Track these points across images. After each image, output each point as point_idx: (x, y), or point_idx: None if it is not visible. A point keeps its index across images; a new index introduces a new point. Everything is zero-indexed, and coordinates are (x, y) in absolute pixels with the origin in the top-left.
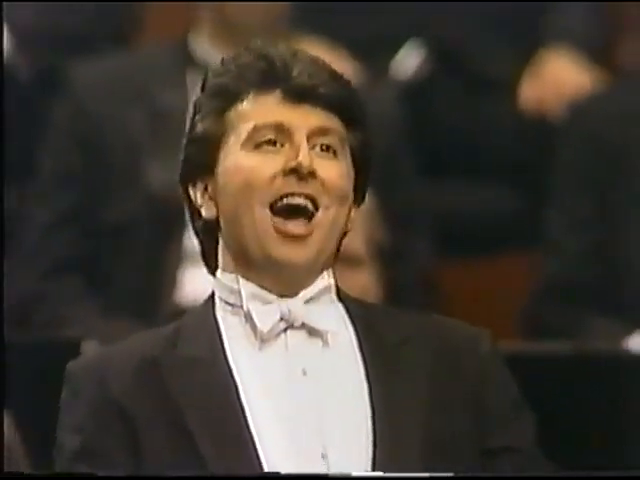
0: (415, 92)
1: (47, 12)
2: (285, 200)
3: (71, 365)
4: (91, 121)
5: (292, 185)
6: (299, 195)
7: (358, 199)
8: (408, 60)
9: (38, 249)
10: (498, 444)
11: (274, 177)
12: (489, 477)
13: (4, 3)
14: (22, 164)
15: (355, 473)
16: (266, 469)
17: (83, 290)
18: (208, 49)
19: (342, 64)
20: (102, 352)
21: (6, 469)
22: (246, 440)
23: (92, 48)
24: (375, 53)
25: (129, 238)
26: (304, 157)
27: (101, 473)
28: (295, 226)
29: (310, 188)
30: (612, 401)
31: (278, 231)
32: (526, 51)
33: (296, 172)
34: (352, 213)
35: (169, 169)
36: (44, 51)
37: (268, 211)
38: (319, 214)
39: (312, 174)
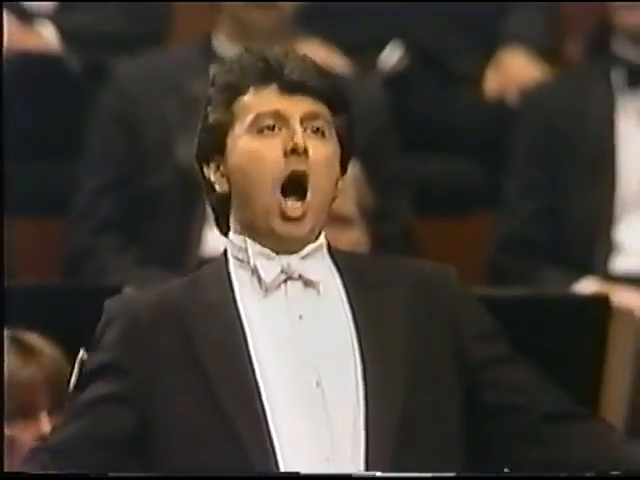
0: (397, 83)
1: (95, 16)
2: (290, 179)
3: (108, 301)
4: (131, 107)
5: (293, 163)
6: (301, 172)
7: (343, 170)
8: (391, 57)
9: (86, 211)
10: (480, 355)
11: (279, 159)
12: (489, 477)
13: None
14: (72, 141)
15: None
16: (264, 396)
17: (123, 245)
18: (227, 46)
19: (337, 60)
20: (134, 293)
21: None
22: (247, 369)
23: (132, 46)
24: (364, 51)
25: (162, 202)
26: (299, 138)
27: (116, 390)
28: (293, 210)
29: (305, 165)
30: (562, 337)
31: (281, 212)
32: (488, 49)
33: (295, 151)
34: (339, 183)
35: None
36: (92, 49)
37: (276, 194)
38: (309, 197)
39: (306, 152)
